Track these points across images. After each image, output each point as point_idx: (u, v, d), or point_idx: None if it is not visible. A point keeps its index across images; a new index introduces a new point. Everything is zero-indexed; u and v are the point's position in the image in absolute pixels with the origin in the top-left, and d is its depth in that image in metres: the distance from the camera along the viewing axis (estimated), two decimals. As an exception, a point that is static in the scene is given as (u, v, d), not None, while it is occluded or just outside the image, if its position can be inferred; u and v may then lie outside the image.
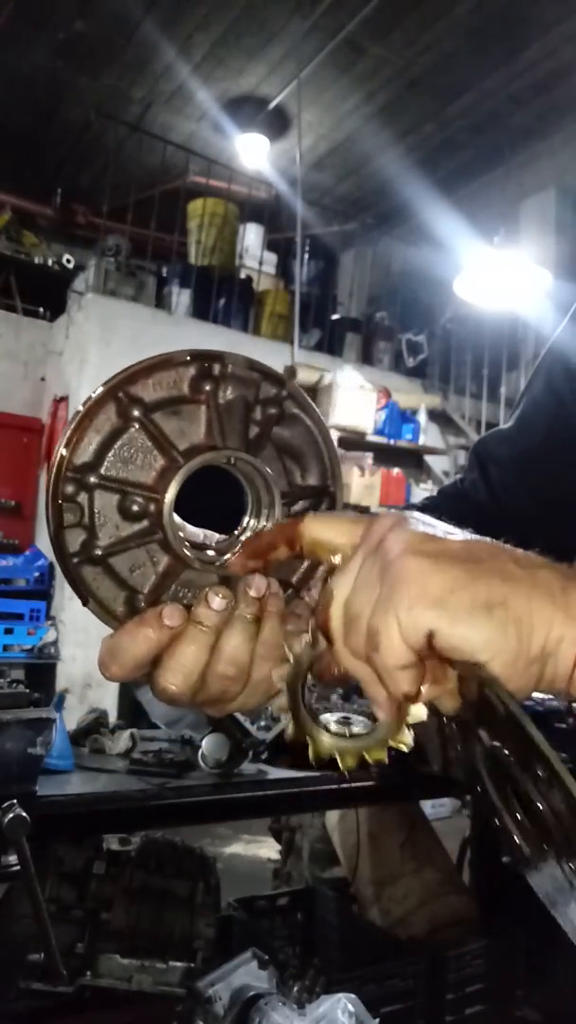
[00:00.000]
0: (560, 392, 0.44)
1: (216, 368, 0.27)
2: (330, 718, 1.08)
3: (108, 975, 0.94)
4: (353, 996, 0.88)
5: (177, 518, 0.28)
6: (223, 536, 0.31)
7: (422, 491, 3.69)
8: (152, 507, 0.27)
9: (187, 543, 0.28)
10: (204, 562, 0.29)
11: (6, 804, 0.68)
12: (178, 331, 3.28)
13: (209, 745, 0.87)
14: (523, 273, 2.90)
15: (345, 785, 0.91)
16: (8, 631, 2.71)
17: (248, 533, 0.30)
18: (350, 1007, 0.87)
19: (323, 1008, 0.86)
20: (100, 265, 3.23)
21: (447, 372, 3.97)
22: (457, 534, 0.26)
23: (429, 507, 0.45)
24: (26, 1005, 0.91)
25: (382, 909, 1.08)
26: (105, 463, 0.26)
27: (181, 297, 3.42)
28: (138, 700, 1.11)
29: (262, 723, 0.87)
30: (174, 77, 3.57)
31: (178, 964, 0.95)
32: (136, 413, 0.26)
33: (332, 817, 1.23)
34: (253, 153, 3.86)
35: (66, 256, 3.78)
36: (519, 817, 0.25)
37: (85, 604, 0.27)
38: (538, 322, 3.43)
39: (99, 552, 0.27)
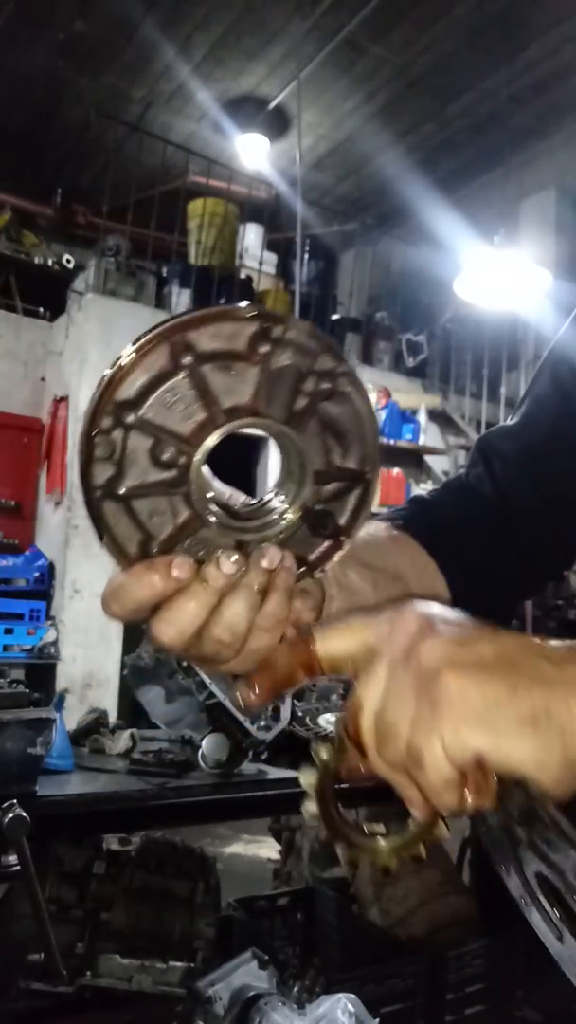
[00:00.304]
0: (566, 389, 0.43)
1: (276, 330, 0.26)
2: (331, 718, 1.08)
3: (108, 975, 0.94)
4: (353, 996, 0.88)
5: (207, 472, 0.28)
6: (248, 499, 0.30)
7: (422, 491, 3.68)
8: (183, 459, 0.27)
9: (213, 502, 0.28)
10: (224, 525, 0.28)
11: (6, 804, 0.68)
12: (178, 331, 3.28)
13: (209, 745, 0.87)
14: (523, 273, 2.90)
15: (345, 785, 0.91)
16: (8, 631, 2.71)
17: (274, 504, 0.29)
18: (350, 1007, 0.87)
19: (323, 1008, 0.86)
20: (100, 265, 3.23)
21: (447, 372, 3.96)
22: (484, 635, 0.26)
23: (434, 502, 0.44)
24: (26, 1005, 0.91)
25: (382, 909, 1.08)
26: (146, 404, 0.26)
27: (181, 297, 3.42)
28: (138, 700, 1.11)
29: (262, 723, 0.87)
30: (174, 77, 3.57)
31: (178, 964, 0.95)
32: (187, 360, 0.25)
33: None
34: (253, 153, 3.86)
35: (66, 256, 3.78)
36: (552, 913, 0.26)
37: (101, 539, 0.27)
38: (538, 322, 3.43)
39: (122, 491, 0.26)
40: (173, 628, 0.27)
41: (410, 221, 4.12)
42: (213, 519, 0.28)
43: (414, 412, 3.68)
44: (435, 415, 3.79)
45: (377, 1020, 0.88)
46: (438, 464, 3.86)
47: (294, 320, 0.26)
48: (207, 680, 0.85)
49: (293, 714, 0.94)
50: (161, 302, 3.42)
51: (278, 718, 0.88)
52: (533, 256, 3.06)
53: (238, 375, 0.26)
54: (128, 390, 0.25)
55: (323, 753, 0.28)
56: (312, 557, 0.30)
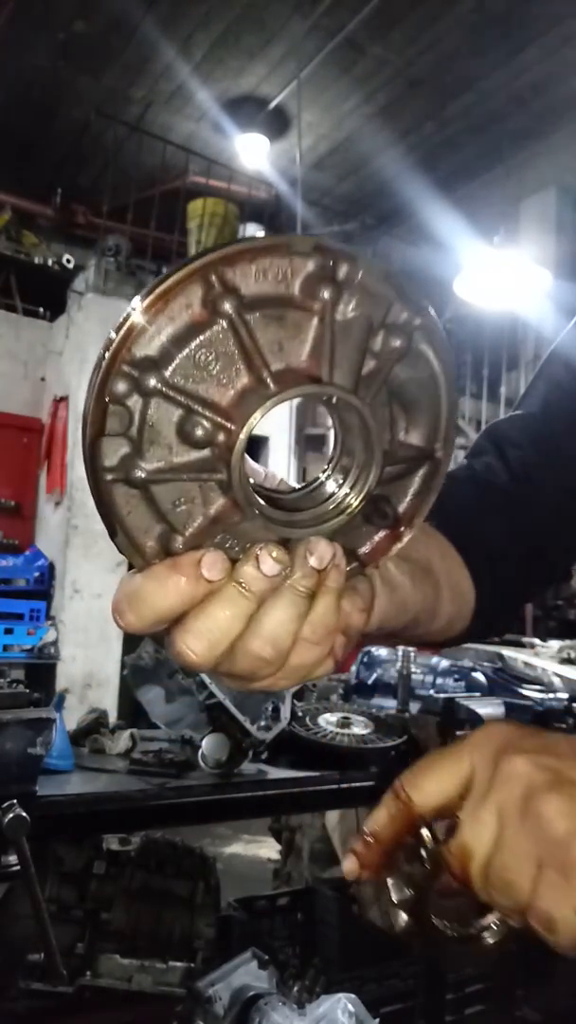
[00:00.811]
0: (555, 376, 0.42)
1: (343, 270, 0.20)
2: (331, 718, 1.07)
3: (108, 975, 0.94)
4: (353, 996, 0.88)
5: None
6: (288, 485, 0.25)
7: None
8: (221, 437, 0.20)
9: (257, 491, 0.22)
10: (267, 516, 0.22)
11: (6, 804, 0.68)
12: (178, 331, 3.28)
13: (209, 745, 0.86)
14: (523, 273, 2.90)
15: (345, 785, 0.91)
16: (8, 631, 2.71)
17: (327, 489, 0.23)
18: (350, 1007, 0.87)
19: (323, 1008, 0.86)
20: (100, 265, 3.23)
21: (447, 372, 3.96)
22: None
23: (448, 495, 0.40)
24: (26, 1005, 0.91)
25: (382, 909, 1.08)
26: (174, 363, 0.19)
27: (181, 297, 3.42)
28: (138, 700, 1.11)
29: (262, 723, 0.87)
30: (174, 77, 3.57)
31: (178, 964, 0.95)
32: (228, 307, 0.19)
33: (332, 817, 1.23)
34: (253, 153, 3.86)
35: (66, 256, 3.78)
36: None
37: (112, 534, 0.21)
38: (538, 322, 3.43)
39: (141, 475, 0.20)
40: (202, 642, 0.21)
41: (410, 221, 4.12)
42: (255, 510, 0.21)
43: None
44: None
45: (377, 1020, 0.88)
46: (438, 464, 3.85)
47: (365, 258, 0.20)
48: (207, 680, 0.85)
49: (293, 714, 0.94)
50: (161, 302, 3.42)
51: (278, 718, 0.88)
52: (533, 256, 3.06)
53: (292, 328, 0.20)
54: (150, 345, 0.19)
55: (415, 875, 0.27)
56: (364, 550, 0.24)
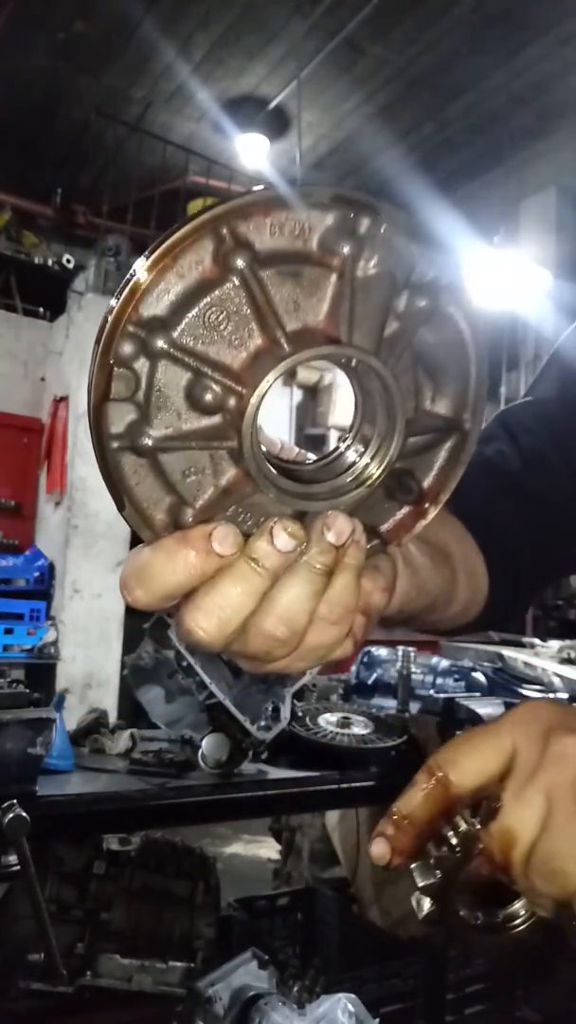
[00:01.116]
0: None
1: (364, 224, 0.19)
2: (331, 718, 1.07)
3: (108, 975, 0.94)
4: (353, 996, 0.88)
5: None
6: (306, 456, 0.23)
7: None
8: (232, 402, 0.19)
9: (268, 459, 0.21)
10: (281, 488, 0.20)
11: (6, 804, 0.68)
12: (178, 331, 3.28)
13: (209, 745, 0.86)
14: (523, 273, 2.90)
15: (345, 785, 0.91)
16: (8, 631, 2.71)
17: (348, 458, 0.22)
18: (350, 1007, 0.87)
19: (323, 1008, 0.86)
20: (100, 265, 3.23)
21: (447, 372, 3.95)
22: None
23: (476, 488, 0.37)
24: (26, 1005, 0.91)
25: (382, 909, 1.08)
26: (183, 324, 0.18)
27: (181, 297, 3.42)
28: (138, 700, 1.11)
29: (262, 723, 0.87)
30: (174, 77, 3.57)
31: (178, 964, 0.95)
32: (240, 263, 0.18)
33: (332, 817, 1.23)
34: (253, 153, 3.86)
35: (66, 256, 3.78)
36: None
37: (119, 506, 0.20)
38: (538, 322, 3.43)
39: (148, 442, 0.19)
40: (212, 620, 0.20)
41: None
42: (269, 482, 0.20)
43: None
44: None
45: (377, 1020, 0.89)
46: (438, 464, 3.84)
47: (389, 209, 0.19)
48: (207, 680, 0.85)
49: (293, 714, 0.94)
50: (161, 302, 3.42)
51: (278, 718, 0.88)
52: (533, 256, 3.06)
53: (309, 285, 0.19)
54: (157, 304, 0.17)
55: (444, 859, 0.25)
56: (386, 527, 0.23)
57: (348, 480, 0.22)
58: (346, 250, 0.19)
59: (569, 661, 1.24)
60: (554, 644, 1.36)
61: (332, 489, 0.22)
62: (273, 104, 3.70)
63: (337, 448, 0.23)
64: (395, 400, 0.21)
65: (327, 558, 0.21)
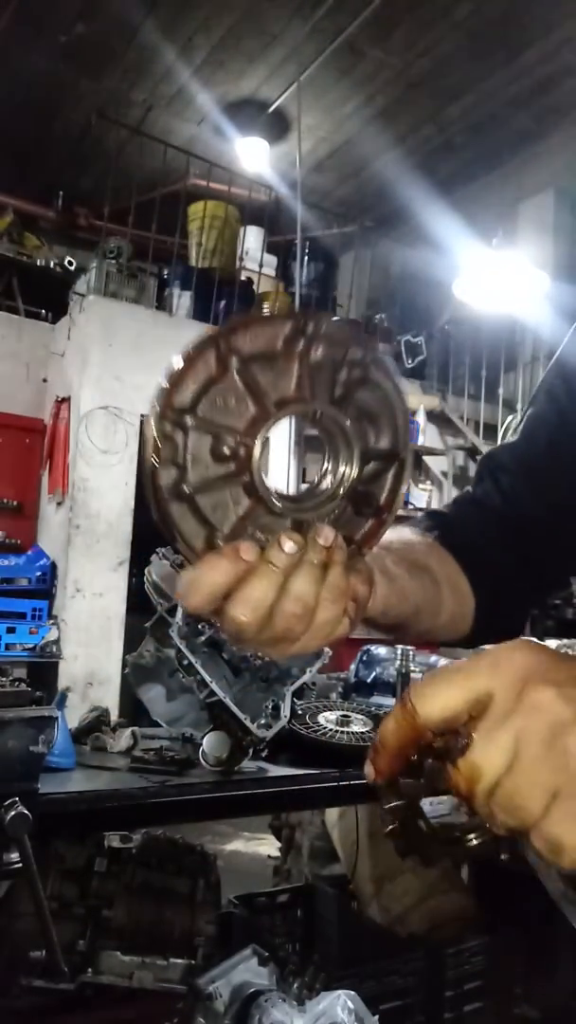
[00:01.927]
0: (561, 404, 0.47)
1: (310, 326, 0.29)
2: (330, 716, 1.08)
3: (109, 972, 0.95)
4: (352, 993, 0.89)
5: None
6: (303, 485, 0.34)
7: (421, 491, 3.69)
8: (242, 451, 0.29)
9: (270, 490, 0.30)
10: (280, 510, 0.30)
11: (8, 802, 0.68)
12: (179, 333, 3.29)
13: (210, 743, 0.87)
14: (521, 275, 2.91)
15: (344, 783, 0.92)
16: (10, 630, 2.71)
17: (327, 482, 0.31)
18: (350, 1003, 0.87)
19: (323, 1005, 0.87)
20: (101, 267, 3.24)
21: (446, 373, 3.97)
22: None
23: (451, 516, 0.48)
24: (28, 1002, 0.92)
25: (381, 906, 1.09)
26: (201, 406, 0.28)
27: (182, 299, 3.43)
28: (139, 699, 1.12)
29: (262, 721, 0.88)
30: (174, 80, 3.58)
31: (179, 961, 0.96)
32: (234, 362, 0.28)
33: (332, 815, 1.23)
34: (253, 156, 3.87)
35: (68, 258, 3.79)
36: None
37: (172, 542, 0.28)
38: (536, 324, 3.44)
39: (188, 490, 0.28)
40: (248, 607, 0.28)
41: (409, 223, 4.13)
42: (273, 503, 0.29)
43: (413, 413, 3.69)
44: (434, 416, 3.80)
45: (376, 1017, 0.89)
46: (436, 465, 3.86)
47: (325, 315, 0.29)
48: (208, 678, 0.86)
49: (293, 712, 0.94)
50: (162, 304, 3.43)
51: (278, 716, 0.89)
52: (531, 258, 3.07)
53: (280, 371, 0.29)
54: (184, 395, 0.27)
55: (409, 784, 0.27)
56: (359, 536, 0.32)
57: (324, 500, 0.31)
58: (300, 345, 0.29)
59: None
60: (552, 643, 1.36)
61: (316, 506, 0.31)
62: (273, 107, 3.71)
63: (315, 479, 0.32)
64: (349, 436, 0.30)
65: (321, 556, 0.29)
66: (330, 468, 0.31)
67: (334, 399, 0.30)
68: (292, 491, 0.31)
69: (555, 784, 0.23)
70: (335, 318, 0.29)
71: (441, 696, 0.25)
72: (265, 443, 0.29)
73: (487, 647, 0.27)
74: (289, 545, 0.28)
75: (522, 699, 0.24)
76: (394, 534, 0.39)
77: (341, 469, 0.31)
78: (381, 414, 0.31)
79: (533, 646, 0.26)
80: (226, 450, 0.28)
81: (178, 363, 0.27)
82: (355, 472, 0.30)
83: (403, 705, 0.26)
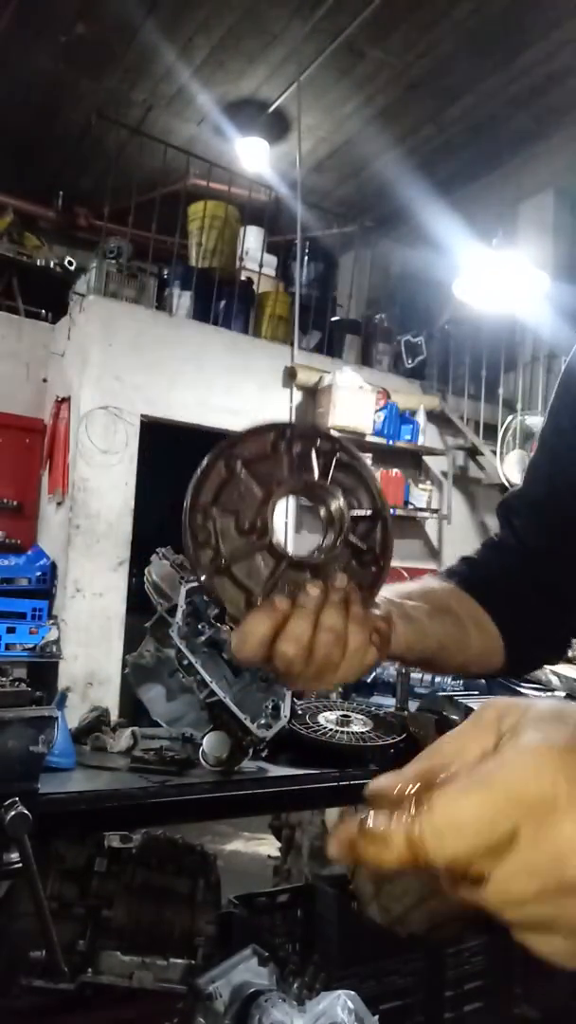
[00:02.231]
0: (555, 451, 0.53)
1: (288, 431, 0.39)
2: (330, 716, 1.08)
3: (109, 972, 0.95)
4: (353, 993, 0.89)
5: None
6: (312, 548, 0.41)
7: (421, 491, 3.69)
8: (259, 523, 0.37)
9: (288, 553, 0.38)
10: (300, 563, 0.38)
11: (8, 802, 0.68)
12: (179, 333, 3.30)
13: (210, 743, 0.87)
14: (521, 275, 2.91)
15: (344, 783, 0.92)
16: (11, 630, 2.72)
17: (329, 537, 0.40)
18: (350, 1004, 0.88)
19: (323, 1005, 0.87)
20: (101, 267, 3.25)
21: (446, 373, 3.97)
22: None
23: (475, 560, 0.54)
24: (28, 1002, 0.92)
25: (381, 906, 1.09)
26: (222, 498, 0.37)
27: (182, 299, 3.43)
28: (139, 698, 1.12)
29: (262, 721, 0.88)
30: (175, 80, 3.58)
31: (179, 961, 0.96)
32: (238, 466, 0.37)
33: (332, 814, 1.23)
34: (253, 156, 3.88)
35: (68, 258, 3.79)
36: None
37: (221, 612, 0.38)
38: (536, 324, 3.44)
39: (224, 563, 0.36)
40: (292, 642, 0.35)
41: (409, 223, 4.14)
42: (292, 558, 0.38)
43: (413, 413, 3.69)
44: (434, 416, 3.81)
45: (376, 1017, 0.89)
46: (436, 464, 3.87)
47: (299, 422, 0.40)
48: (208, 678, 0.86)
49: (293, 712, 0.94)
50: (162, 304, 3.44)
51: (278, 716, 0.89)
52: (531, 258, 3.07)
53: (274, 464, 0.38)
54: (207, 495, 0.36)
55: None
56: (366, 583, 0.40)
57: (331, 549, 0.39)
58: (284, 445, 0.39)
59: (568, 660, 1.25)
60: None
61: (327, 559, 0.39)
62: (273, 107, 3.71)
63: (320, 541, 0.41)
64: (338, 500, 0.39)
65: (339, 596, 0.37)
66: (330, 532, 0.39)
67: (317, 476, 0.39)
68: (304, 552, 0.40)
69: (552, 885, 0.20)
70: (306, 422, 0.39)
71: (461, 842, 0.20)
72: (275, 514, 0.37)
73: (513, 705, 0.23)
74: (314, 591, 0.36)
75: (547, 842, 0.19)
76: (416, 584, 0.47)
77: (336, 527, 0.39)
78: (358, 486, 0.39)
79: (555, 751, 0.20)
80: (247, 524, 0.37)
81: (197, 474, 0.36)
82: (347, 526, 0.39)
83: (411, 834, 0.21)
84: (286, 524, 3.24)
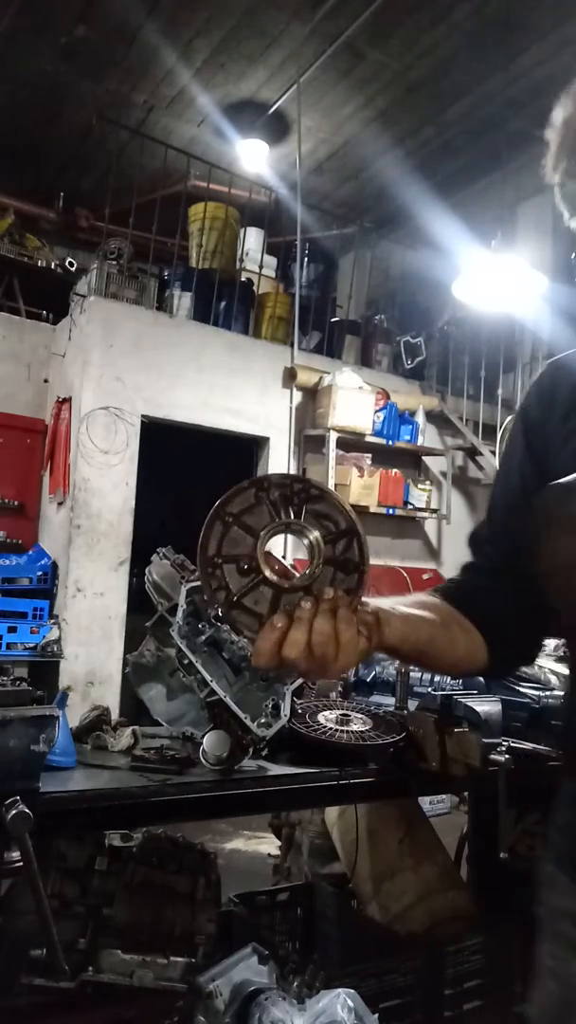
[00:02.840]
0: (503, 488, 0.62)
1: (264, 483, 0.48)
2: (330, 715, 1.08)
3: (110, 970, 0.95)
4: (352, 991, 0.89)
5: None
6: (300, 573, 0.49)
7: (420, 491, 3.69)
8: (253, 563, 0.47)
9: (284, 579, 0.47)
10: (292, 588, 0.47)
11: (9, 800, 0.69)
12: (179, 333, 3.30)
13: (210, 742, 0.88)
14: (520, 276, 2.92)
15: (344, 782, 0.92)
16: (12, 630, 2.72)
17: (314, 562, 0.48)
18: (349, 1002, 0.88)
19: (323, 1003, 0.87)
20: (102, 268, 3.25)
21: (445, 374, 3.98)
22: None
23: (455, 580, 0.63)
24: (29, 1000, 0.92)
25: (381, 905, 1.09)
26: (223, 549, 0.47)
27: (182, 300, 3.44)
28: (140, 698, 1.12)
29: (262, 720, 0.88)
30: (175, 82, 3.59)
31: (179, 959, 0.96)
32: (230, 519, 0.47)
33: (332, 813, 1.24)
34: (253, 157, 3.88)
35: (69, 259, 3.80)
36: None
37: (239, 635, 0.47)
38: (535, 325, 3.45)
39: (235, 598, 0.47)
40: (294, 648, 0.44)
41: (408, 225, 4.14)
42: (286, 584, 0.47)
43: (412, 413, 3.69)
44: (433, 416, 3.81)
45: (376, 1015, 0.89)
46: (436, 465, 3.87)
47: (270, 476, 0.48)
48: (208, 678, 0.86)
49: (293, 711, 0.95)
50: (163, 305, 3.44)
51: (278, 715, 0.89)
52: (530, 259, 3.07)
53: (258, 512, 0.47)
54: (211, 548, 0.47)
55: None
56: (352, 587, 0.48)
57: (315, 569, 0.48)
58: (263, 494, 0.48)
59: (560, 659, 1.25)
60: (551, 642, 1.37)
61: (313, 578, 0.48)
62: (273, 108, 3.72)
63: (308, 566, 0.49)
64: (318, 536, 0.48)
65: (328, 604, 0.46)
66: (312, 556, 0.47)
67: (294, 515, 0.48)
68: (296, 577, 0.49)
69: None
70: (277, 474, 0.48)
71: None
72: (265, 555, 0.46)
73: None
74: (306, 604, 0.45)
75: None
76: (409, 597, 0.55)
77: (318, 553, 0.47)
78: (331, 511, 0.48)
79: None
80: (245, 566, 0.46)
81: (202, 531, 0.46)
82: (327, 551, 0.47)
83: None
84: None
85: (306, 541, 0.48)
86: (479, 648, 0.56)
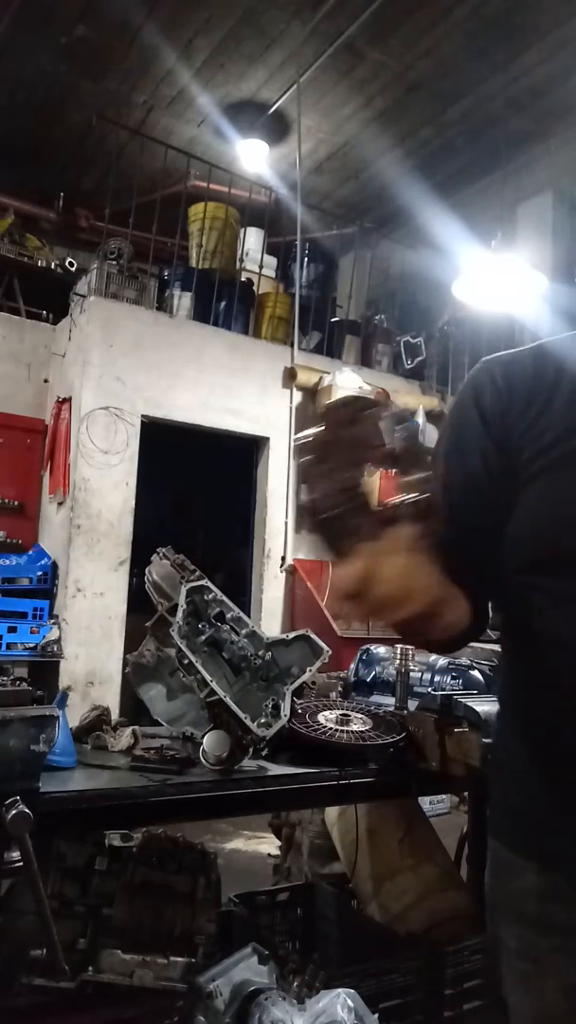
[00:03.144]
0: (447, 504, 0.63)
1: (388, 403, 0.49)
2: (330, 716, 1.09)
3: (110, 970, 0.95)
4: (352, 991, 0.89)
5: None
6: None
7: (421, 492, 3.69)
8: (351, 482, 0.48)
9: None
10: (380, 514, 0.48)
11: (9, 800, 0.69)
12: (179, 333, 3.30)
13: (210, 742, 0.88)
14: (520, 276, 2.92)
15: (344, 782, 0.92)
16: (12, 629, 2.72)
17: (401, 497, 0.50)
18: (349, 1002, 0.88)
19: (323, 1003, 0.87)
20: (102, 268, 3.25)
21: (445, 374, 3.98)
22: None
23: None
24: (28, 1000, 0.92)
25: (381, 904, 1.09)
26: (327, 459, 0.48)
27: (182, 300, 3.44)
28: (140, 698, 1.12)
29: (262, 720, 0.88)
30: (175, 82, 3.59)
31: (179, 959, 0.96)
32: (335, 430, 0.48)
33: (331, 813, 1.24)
34: (253, 157, 3.88)
35: (69, 259, 3.80)
36: None
37: (326, 549, 0.49)
38: (534, 325, 3.45)
39: (327, 514, 0.48)
40: (375, 581, 0.46)
41: (408, 225, 4.14)
42: (375, 513, 0.47)
43: (412, 413, 3.70)
44: (433, 416, 3.81)
45: (376, 1015, 0.89)
46: (437, 465, 3.86)
47: (387, 402, 0.48)
48: (208, 678, 0.86)
49: (293, 711, 0.95)
50: (163, 305, 3.44)
51: (278, 715, 0.89)
52: (530, 259, 3.07)
53: (365, 432, 0.47)
54: (314, 457, 0.47)
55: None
56: (428, 526, 0.49)
57: (400, 507, 0.50)
58: (376, 415, 0.51)
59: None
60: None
61: (397, 511, 0.51)
62: (273, 108, 3.72)
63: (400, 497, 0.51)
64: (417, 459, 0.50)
65: (404, 541, 0.49)
66: (402, 483, 0.48)
67: (397, 449, 0.48)
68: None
69: None
70: (392, 406, 0.49)
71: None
72: (366, 479, 0.46)
73: None
74: (388, 535, 0.46)
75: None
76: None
77: (405, 487, 0.48)
78: (418, 453, 0.49)
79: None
80: (342, 485, 0.46)
81: (305, 437, 0.46)
82: (410, 483, 0.48)
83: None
84: (286, 524, 3.26)
85: (402, 478, 0.49)
86: (467, 611, 0.56)
